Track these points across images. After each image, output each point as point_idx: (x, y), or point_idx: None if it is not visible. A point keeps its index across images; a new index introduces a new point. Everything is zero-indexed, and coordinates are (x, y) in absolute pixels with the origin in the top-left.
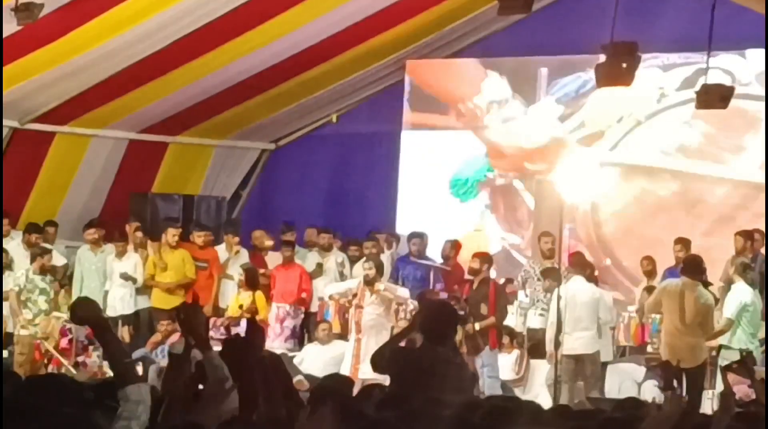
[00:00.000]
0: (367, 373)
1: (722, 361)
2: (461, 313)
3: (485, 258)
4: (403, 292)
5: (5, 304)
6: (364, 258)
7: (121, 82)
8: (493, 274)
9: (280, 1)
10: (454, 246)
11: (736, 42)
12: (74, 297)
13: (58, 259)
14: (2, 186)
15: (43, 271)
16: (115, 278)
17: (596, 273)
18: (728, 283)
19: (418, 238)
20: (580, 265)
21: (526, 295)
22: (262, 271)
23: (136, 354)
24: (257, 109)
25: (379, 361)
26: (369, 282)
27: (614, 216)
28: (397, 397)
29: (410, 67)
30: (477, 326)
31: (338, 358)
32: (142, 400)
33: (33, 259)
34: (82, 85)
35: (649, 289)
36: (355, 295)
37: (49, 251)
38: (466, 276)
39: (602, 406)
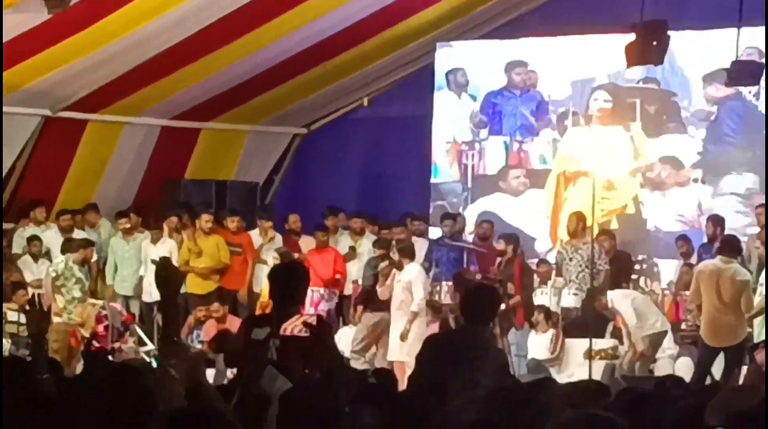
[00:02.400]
0: (394, 356)
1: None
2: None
3: (510, 238)
4: (418, 299)
5: (41, 290)
6: (393, 242)
7: (153, 69)
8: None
9: None
10: (491, 226)
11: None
12: (108, 284)
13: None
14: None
15: (84, 262)
16: (150, 264)
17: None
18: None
19: (451, 219)
20: None
21: (561, 275)
22: (296, 255)
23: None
24: (289, 94)
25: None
26: (397, 266)
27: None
28: (435, 384)
29: (441, 50)
30: (503, 306)
31: None
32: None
33: (75, 250)
34: (113, 73)
35: (688, 267)
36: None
37: (92, 244)
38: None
39: (638, 385)
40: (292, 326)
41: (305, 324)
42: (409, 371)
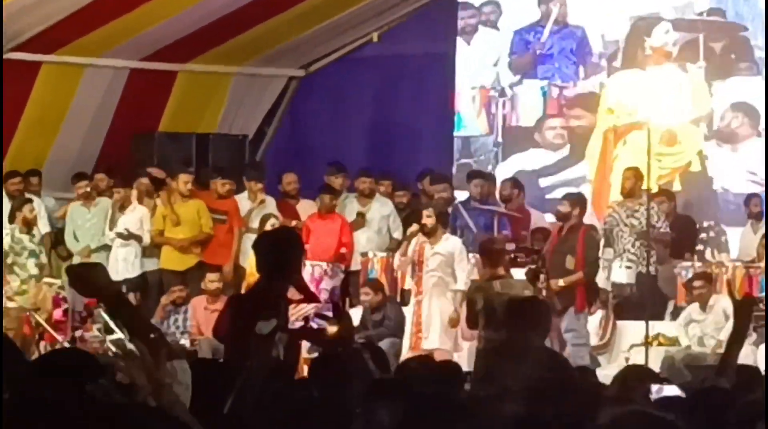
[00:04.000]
0: (433, 342)
1: None
2: (533, 266)
3: (578, 199)
4: (465, 277)
5: None
6: (424, 204)
7: (119, 1)
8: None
9: None
10: (515, 185)
11: None
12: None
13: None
14: None
15: (27, 225)
16: (118, 236)
17: None
18: None
19: (481, 178)
20: None
21: (610, 245)
22: (293, 222)
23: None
24: (283, 27)
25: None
26: (429, 232)
27: None
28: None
29: None
30: (561, 282)
31: None
32: (181, 380)
33: (12, 215)
34: (72, 4)
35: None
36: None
37: (29, 201)
38: (548, 221)
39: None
40: (301, 315)
41: (318, 315)
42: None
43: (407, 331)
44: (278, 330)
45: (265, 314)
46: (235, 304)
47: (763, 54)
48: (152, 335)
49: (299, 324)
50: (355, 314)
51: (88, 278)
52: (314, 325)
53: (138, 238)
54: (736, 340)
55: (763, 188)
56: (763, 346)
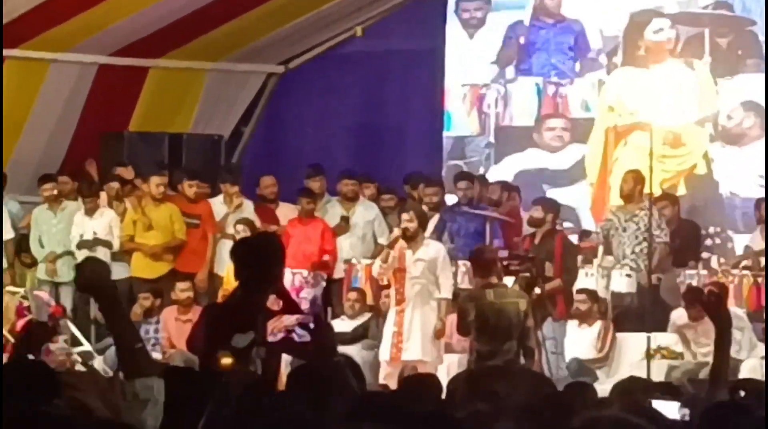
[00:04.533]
0: (413, 354)
1: None
2: (527, 274)
3: (549, 204)
4: (449, 284)
5: None
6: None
7: None
8: None
9: None
10: (506, 188)
11: None
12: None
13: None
14: None
15: None
16: (84, 242)
17: None
18: None
19: (467, 180)
20: None
21: (610, 252)
22: (273, 228)
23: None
24: (261, 21)
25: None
26: (410, 237)
27: None
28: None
29: None
30: (537, 290)
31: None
32: (153, 398)
33: None
34: None
35: None
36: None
37: None
38: (525, 228)
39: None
40: (283, 326)
41: (301, 325)
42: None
43: (387, 342)
44: (256, 343)
45: (243, 326)
46: (210, 314)
47: None
48: (137, 345)
49: (281, 335)
50: (338, 325)
51: (92, 273)
52: (296, 337)
53: (107, 244)
54: (720, 347)
55: None
56: None
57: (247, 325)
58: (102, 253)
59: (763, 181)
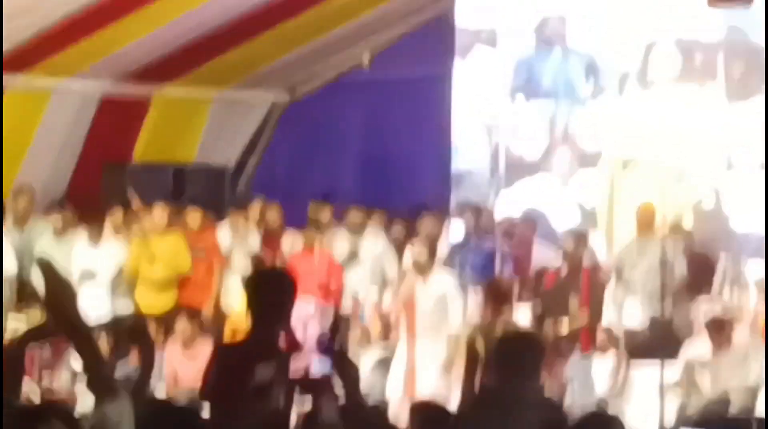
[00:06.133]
0: (429, 389)
1: None
2: (537, 309)
3: (580, 236)
4: (460, 316)
5: None
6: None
7: (90, 18)
8: None
9: None
10: (515, 220)
11: None
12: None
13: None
14: None
15: None
16: (86, 273)
17: None
18: None
19: (472, 211)
20: None
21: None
22: (277, 259)
23: (118, 373)
24: (266, 48)
25: None
26: (421, 270)
27: None
28: None
29: None
30: (565, 327)
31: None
32: (123, 422)
33: None
34: (38, 22)
35: None
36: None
37: None
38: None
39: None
40: (302, 365)
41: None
42: None
43: (399, 378)
44: (277, 382)
45: (262, 364)
46: (223, 355)
47: None
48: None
49: (299, 374)
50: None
51: (61, 303)
52: (315, 375)
53: (109, 277)
54: None
55: None
56: None
57: (268, 363)
58: (105, 286)
59: None
